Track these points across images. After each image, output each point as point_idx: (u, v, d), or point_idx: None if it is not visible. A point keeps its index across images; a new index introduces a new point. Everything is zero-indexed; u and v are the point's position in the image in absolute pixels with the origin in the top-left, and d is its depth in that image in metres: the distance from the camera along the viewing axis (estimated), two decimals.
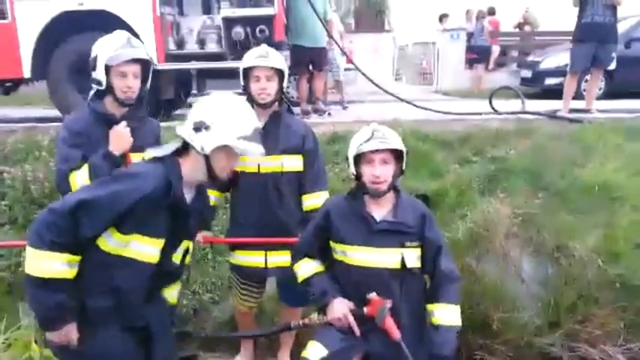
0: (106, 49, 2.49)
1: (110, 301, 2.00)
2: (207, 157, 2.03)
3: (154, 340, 2.09)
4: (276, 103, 2.89)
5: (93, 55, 2.52)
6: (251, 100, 2.85)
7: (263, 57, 2.78)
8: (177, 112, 7.14)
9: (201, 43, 6.28)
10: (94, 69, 2.52)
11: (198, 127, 2.01)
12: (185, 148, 2.09)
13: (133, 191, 1.91)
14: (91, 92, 2.61)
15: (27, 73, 6.02)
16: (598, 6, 5.91)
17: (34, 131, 5.01)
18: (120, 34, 2.56)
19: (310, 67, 6.95)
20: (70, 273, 1.91)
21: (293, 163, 2.88)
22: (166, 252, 2.06)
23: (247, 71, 2.82)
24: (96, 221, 1.90)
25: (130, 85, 2.50)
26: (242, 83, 2.88)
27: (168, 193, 1.96)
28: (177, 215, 2.05)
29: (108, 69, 2.48)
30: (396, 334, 2.27)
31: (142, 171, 2.00)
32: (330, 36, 6.78)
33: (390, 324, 2.27)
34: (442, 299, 2.37)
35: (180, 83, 7.11)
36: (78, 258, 1.94)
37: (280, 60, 2.83)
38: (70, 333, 1.95)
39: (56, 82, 5.91)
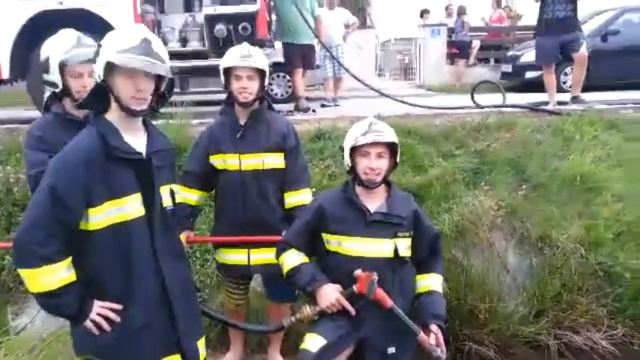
0: (58, 50, 2.45)
1: (123, 273, 2.00)
2: (111, 88, 1.93)
3: (173, 300, 2.08)
4: (257, 102, 2.89)
5: (44, 57, 2.47)
6: (232, 98, 2.86)
7: (245, 56, 2.77)
8: (160, 110, 7.06)
9: (183, 41, 6.25)
10: (46, 71, 2.47)
11: (94, 60, 1.96)
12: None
13: (74, 159, 1.91)
14: (46, 95, 2.56)
15: (5, 73, 5.93)
16: (559, 1, 6.00)
17: (15, 132, 4.93)
18: (69, 34, 2.51)
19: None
20: (74, 275, 1.95)
21: (274, 160, 2.88)
22: (150, 202, 2.04)
23: (228, 70, 2.81)
24: (71, 203, 1.89)
25: (85, 84, 2.42)
26: (223, 82, 2.87)
27: (107, 144, 1.93)
28: (138, 165, 2.01)
29: (62, 70, 2.44)
30: (387, 301, 2.35)
31: (74, 140, 1.99)
32: (316, 35, 6.80)
33: (380, 294, 2.34)
34: (434, 270, 2.56)
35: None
36: (71, 259, 1.95)
37: (262, 59, 2.83)
38: (101, 305, 1.98)
39: (36, 82, 5.80)
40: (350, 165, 2.45)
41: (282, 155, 2.89)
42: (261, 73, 2.82)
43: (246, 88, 2.78)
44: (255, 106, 2.89)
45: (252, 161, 2.84)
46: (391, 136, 2.40)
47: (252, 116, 2.87)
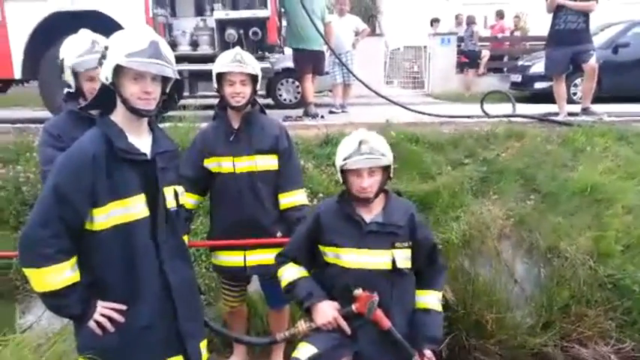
0: (71, 53, 2.47)
1: (127, 274, 2.00)
2: (118, 89, 1.95)
3: (176, 301, 2.08)
4: (250, 105, 2.90)
5: (60, 58, 2.50)
6: (225, 102, 2.87)
7: (237, 62, 2.78)
8: (169, 113, 7.09)
9: (194, 44, 6.26)
10: (62, 72, 2.50)
11: (100, 62, 1.97)
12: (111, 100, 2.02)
13: (79, 159, 1.92)
14: (64, 94, 2.59)
15: (17, 73, 5.98)
16: (571, 13, 6.00)
17: (24, 132, 4.95)
18: (84, 37, 2.53)
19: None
20: (78, 275, 1.96)
21: (267, 162, 2.90)
22: (154, 203, 2.04)
23: (221, 74, 2.82)
24: (76, 203, 1.90)
25: (97, 88, 2.43)
26: (215, 86, 2.88)
27: (112, 146, 1.94)
28: (143, 166, 2.02)
29: (75, 73, 2.46)
30: (386, 323, 2.33)
31: (79, 141, 2.00)
32: (326, 41, 6.82)
33: (379, 315, 2.33)
34: (433, 287, 2.51)
35: (172, 85, 7.06)
36: (75, 259, 1.96)
37: (254, 64, 2.84)
38: (105, 306, 1.99)
39: (48, 82, 5.85)
40: (342, 181, 2.42)
41: (275, 157, 2.92)
42: (253, 77, 2.83)
43: (239, 93, 2.79)
44: (248, 110, 2.90)
45: (246, 163, 2.87)
46: (382, 158, 2.33)
47: (244, 119, 2.89)
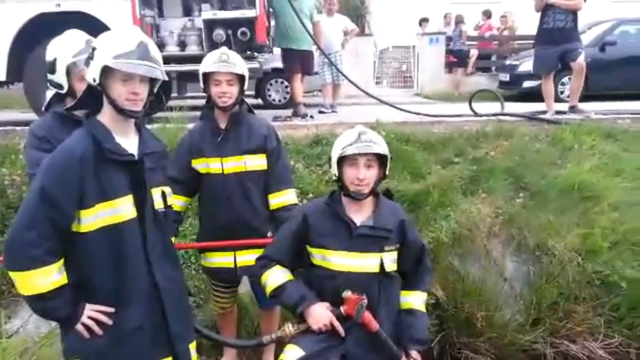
0: (67, 53, 2.43)
1: (115, 276, 1.98)
2: (106, 90, 1.93)
3: (166, 303, 2.06)
4: (237, 105, 2.89)
5: (50, 58, 2.46)
6: (211, 102, 2.86)
7: (223, 62, 2.76)
8: (157, 114, 7.05)
9: (182, 45, 6.23)
10: (52, 72, 2.46)
11: (87, 62, 1.96)
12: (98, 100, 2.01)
13: (66, 161, 1.91)
14: (48, 94, 2.55)
15: (2, 75, 5.92)
16: (559, 12, 6.05)
17: (9, 135, 4.90)
18: (77, 37, 2.50)
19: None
20: (65, 278, 1.94)
21: (256, 162, 2.89)
22: (142, 203, 2.03)
23: (207, 74, 2.81)
24: (63, 204, 1.88)
25: None
26: (202, 86, 2.87)
27: (100, 146, 1.93)
28: (130, 167, 2.01)
29: (69, 72, 2.43)
30: (374, 325, 2.32)
31: (66, 142, 1.98)
32: (315, 41, 6.81)
33: (368, 318, 2.32)
34: (419, 288, 2.51)
35: (160, 86, 7.02)
36: (62, 261, 1.93)
37: (241, 64, 2.82)
38: (92, 309, 1.97)
39: (33, 84, 5.79)
40: (337, 175, 2.37)
41: (264, 157, 2.90)
42: (240, 77, 2.82)
43: (225, 93, 2.78)
44: (235, 110, 2.89)
45: (234, 164, 2.86)
46: (381, 147, 2.31)
47: (232, 119, 2.88)
